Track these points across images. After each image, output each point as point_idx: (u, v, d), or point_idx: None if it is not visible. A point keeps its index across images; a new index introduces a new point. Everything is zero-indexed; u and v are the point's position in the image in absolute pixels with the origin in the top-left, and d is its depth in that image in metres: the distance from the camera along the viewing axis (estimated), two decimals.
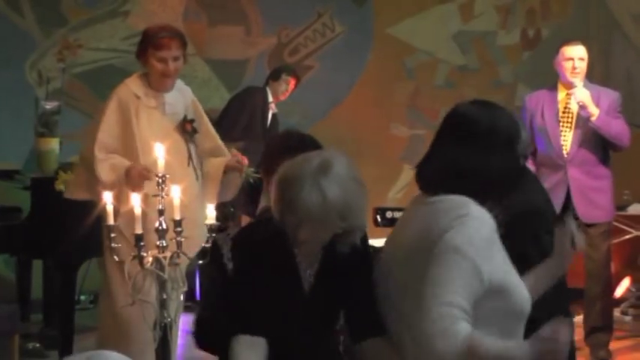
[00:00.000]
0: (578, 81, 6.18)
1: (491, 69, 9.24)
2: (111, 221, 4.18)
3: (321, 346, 3.02)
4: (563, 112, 6.27)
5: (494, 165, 2.82)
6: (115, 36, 8.83)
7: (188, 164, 5.12)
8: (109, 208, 4.19)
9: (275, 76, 8.17)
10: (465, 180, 2.79)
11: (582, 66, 6.21)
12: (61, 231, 5.71)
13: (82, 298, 7.50)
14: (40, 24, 8.64)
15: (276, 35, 9.10)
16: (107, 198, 4.19)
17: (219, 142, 5.35)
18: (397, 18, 9.17)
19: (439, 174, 2.83)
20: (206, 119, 5.37)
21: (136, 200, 4.10)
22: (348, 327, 3.08)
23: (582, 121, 6.18)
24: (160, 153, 4.34)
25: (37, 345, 6.37)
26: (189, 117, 5.17)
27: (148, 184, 4.77)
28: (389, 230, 3.70)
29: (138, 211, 4.09)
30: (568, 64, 6.21)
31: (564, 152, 6.22)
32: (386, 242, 3.05)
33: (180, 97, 5.24)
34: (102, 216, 4.60)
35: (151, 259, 4.16)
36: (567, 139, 6.24)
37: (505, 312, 2.73)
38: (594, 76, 6.40)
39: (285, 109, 8.46)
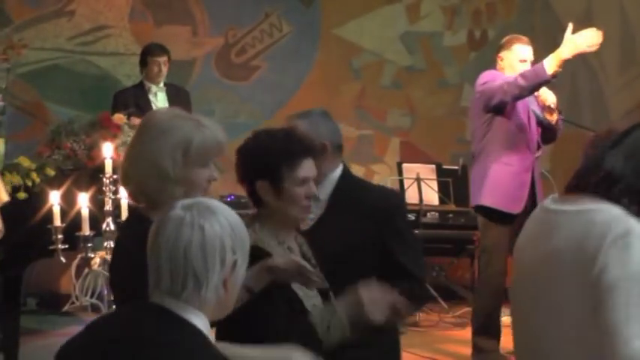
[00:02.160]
0: None
1: (438, 69, 9.29)
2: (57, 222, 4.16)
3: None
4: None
5: None
6: (60, 36, 8.75)
7: None
8: (56, 209, 4.18)
9: (143, 62, 7.99)
10: (624, 192, 2.63)
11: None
12: (6, 232, 5.64)
13: (28, 300, 7.42)
14: None
15: (223, 35, 9.07)
16: (54, 199, 4.18)
17: None
18: (344, 18, 9.19)
19: (600, 178, 2.65)
20: None
21: (83, 201, 4.08)
22: None
23: (539, 119, 6.26)
24: (107, 153, 4.34)
25: None
26: None
27: None
28: None
29: (85, 211, 4.08)
30: (525, 66, 6.21)
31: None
32: (519, 251, 2.84)
33: None
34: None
35: (98, 259, 4.15)
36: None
37: None
38: None
39: (232, 109, 8.44)
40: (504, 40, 6.40)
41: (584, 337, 2.58)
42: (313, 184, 3.20)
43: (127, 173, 2.90)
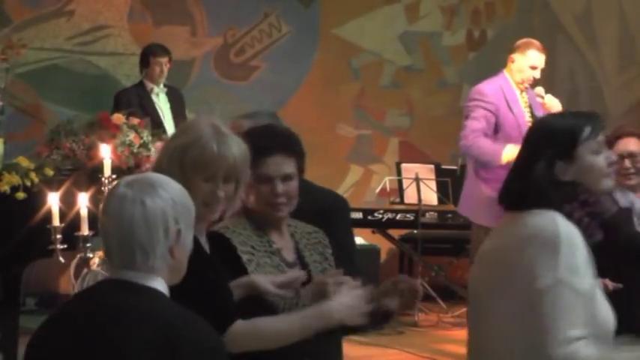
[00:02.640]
0: (542, 90, 6.22)
1: (437, 69, 9.30)
2: (56, 222, 4.16)
3: None
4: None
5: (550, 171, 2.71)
6: (59, 36, 8.75)
7: None
8: (54, 209, 4.18)
9: (144, 62, 7.98)
10: (537, 193, 2.70)
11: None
12: (5, 232, 5.64)
13: (27, 300, 7.42)
14: None
15: (222, 35, 9.07)
16: (52, 199, 4.18)
17: None
18: (343, 18, 9.19)
19: (516, 191, 2.75)
20: None
21: (82, 201, 4.09)
22: None
23: None
24: (105, 154, 4.34)
25: None
26: None
27: None
28: None
29: (84, 211, 4.08)
30: (535, 72, 6.20)
31: None
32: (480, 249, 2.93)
33: None
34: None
35: (97, 259, 4.15)
36: None
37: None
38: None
39: (231, 109, 8.43)
40: (520, 42, 6.36)
41: (516, 337, 2.65)
42: (280, 184, 3.14)
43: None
